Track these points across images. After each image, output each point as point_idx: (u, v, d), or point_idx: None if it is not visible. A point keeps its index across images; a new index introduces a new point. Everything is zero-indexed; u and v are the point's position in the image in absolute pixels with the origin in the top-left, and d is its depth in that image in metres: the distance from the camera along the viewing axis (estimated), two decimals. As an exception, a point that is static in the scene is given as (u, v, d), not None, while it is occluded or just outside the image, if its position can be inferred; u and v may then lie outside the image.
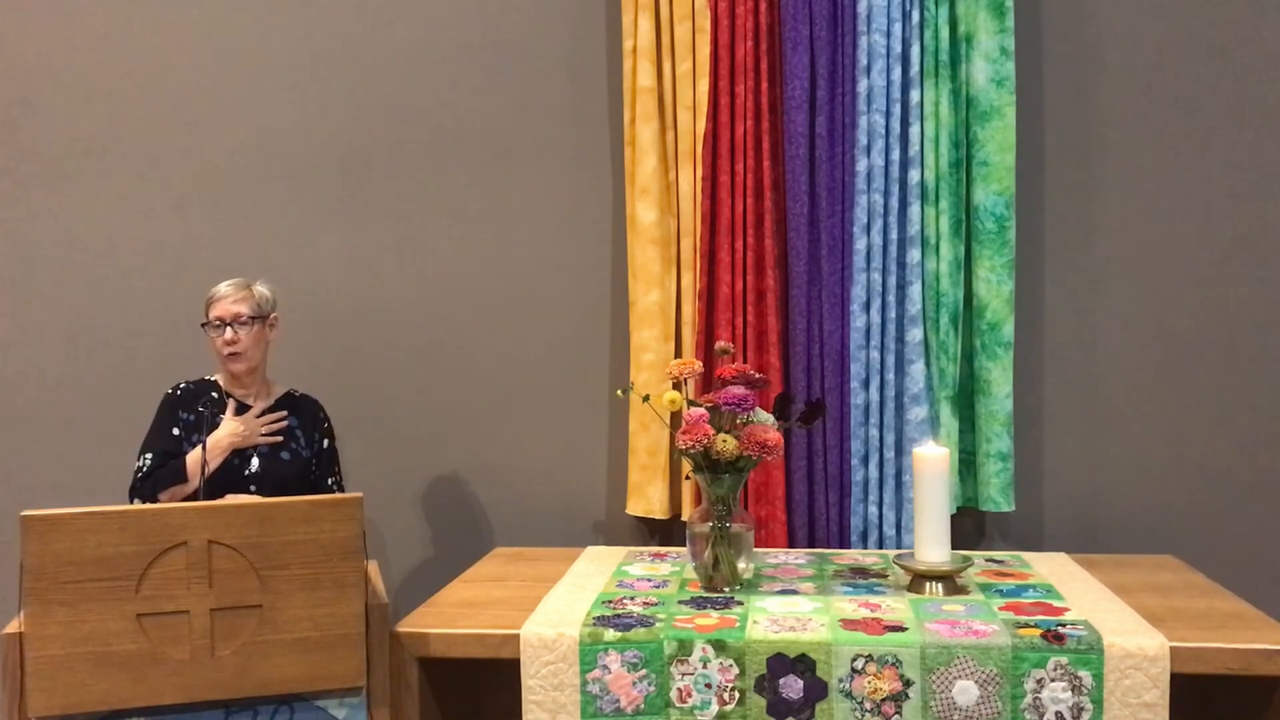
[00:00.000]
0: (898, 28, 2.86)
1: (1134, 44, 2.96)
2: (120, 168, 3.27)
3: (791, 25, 2.90)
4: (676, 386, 2.50)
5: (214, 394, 2.64)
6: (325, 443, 2.75)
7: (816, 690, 2.13)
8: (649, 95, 2.97)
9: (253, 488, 2.59)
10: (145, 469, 2.58)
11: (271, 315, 2.69)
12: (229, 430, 2.57)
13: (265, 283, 2.72)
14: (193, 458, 2.54)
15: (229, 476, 2.57)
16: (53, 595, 1.95)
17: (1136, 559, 2.79)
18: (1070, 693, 2.08)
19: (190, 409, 2.63)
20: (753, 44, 2.91)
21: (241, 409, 2.65)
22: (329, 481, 2.73)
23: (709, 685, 2.16)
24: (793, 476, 2.93)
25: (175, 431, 2.62)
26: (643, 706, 2.18)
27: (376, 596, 2.20)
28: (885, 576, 2.56)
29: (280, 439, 2.65)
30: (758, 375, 2.47)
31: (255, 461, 2.62)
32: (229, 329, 2.59)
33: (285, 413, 2.67)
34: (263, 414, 2.65)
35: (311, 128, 3.22)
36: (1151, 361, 2.98)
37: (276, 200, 3.23)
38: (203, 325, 2.64)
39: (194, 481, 2.52)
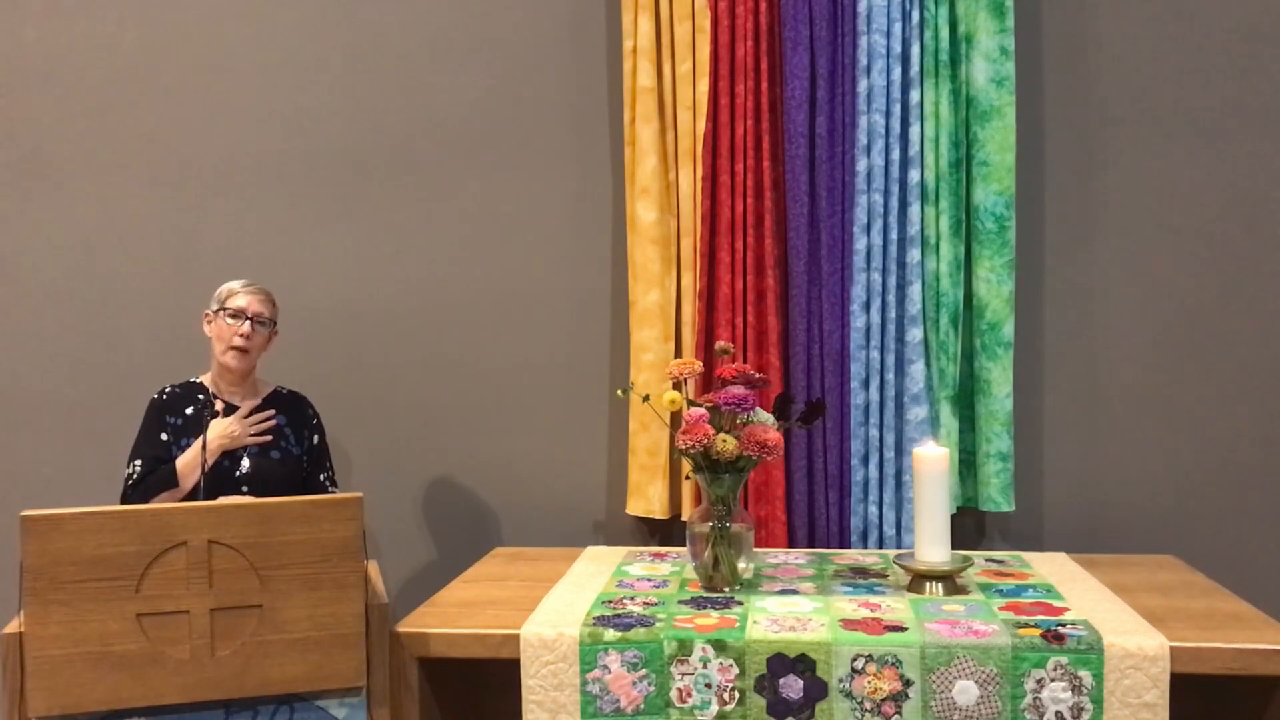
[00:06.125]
0: (898, 28, 2.86)
1: (1134, 44, 2.96)
2: (118, 169, 3.27)
3: (791, 25, 2.90)
4: (676, 386, 2.50)
5: (200, 395, 2.63)
6: (315, 439, 2.74)
7: (816, 690, 2.12)
8: (649, 95, 2.97)
9: (245, 489, 2.57)
10: (135, 476, 2.56)
11: (274, 329, 2.69)
12: (217, 433, 2.55)
13: None
14: (183, 461, 2.54)
15: (220, 479, 2.55)
16: (53, 595, 1.95)
17: (1136, 559, 2.79)
18: (1070, 693, 2.08)
19: (178, 413, 2.62)
20: (753, 44, 2.91)
21: (229, 411, 2.63)
22: (321, 478, 2.72)
23: (709, 685, 2.16)
24: (793, 476, 2.93)
25: (164, 437, 2.59)
26: (643, 706, 2.17)
27: (376, 596, 2.20)
28: (885, 576, 2.56)
29: (270, 438, 2.64)
30: (758, 375, 2.47)
31: (246, 462, 2.60)
32: (248, 322, 2.59)
33: (273, 411, 2.66)
34: (251, 413, 2.63)
35: (310, 128, 3.22)
36: (1152, 361, 2.98)
37: (276, 201, 3.23)
38: (214, 312, 2.62)
39: (185, 485, 2.52)
